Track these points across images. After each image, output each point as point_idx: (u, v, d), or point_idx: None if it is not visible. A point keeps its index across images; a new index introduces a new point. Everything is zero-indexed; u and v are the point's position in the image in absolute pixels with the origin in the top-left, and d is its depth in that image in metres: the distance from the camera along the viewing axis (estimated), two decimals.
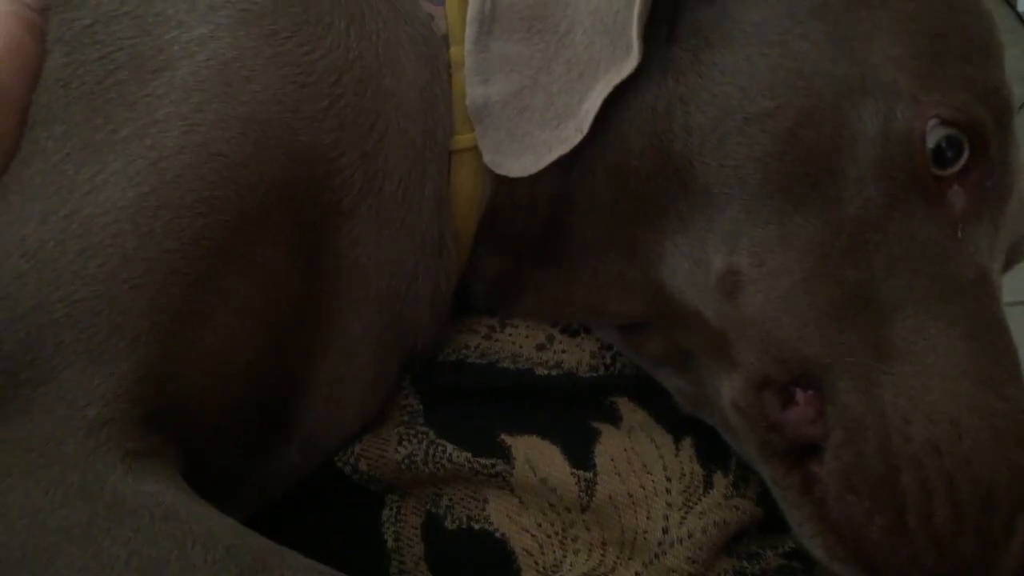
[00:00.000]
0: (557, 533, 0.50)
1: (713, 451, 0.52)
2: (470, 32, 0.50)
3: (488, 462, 0.51)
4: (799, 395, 0.46)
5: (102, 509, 0.39)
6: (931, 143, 0.45)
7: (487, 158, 0.49)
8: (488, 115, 0.49)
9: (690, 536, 0.49)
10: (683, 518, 0.50)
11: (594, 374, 0.54)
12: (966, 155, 0.46)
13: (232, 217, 0.44)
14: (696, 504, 0.50)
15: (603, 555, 0.50)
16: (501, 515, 0.51)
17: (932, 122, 0.45)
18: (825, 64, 0.46)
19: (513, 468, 0.50)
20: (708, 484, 0.51)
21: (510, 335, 0.55)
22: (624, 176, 0.50)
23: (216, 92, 0.44)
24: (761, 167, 0.46)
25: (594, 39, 0.48)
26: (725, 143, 0.47)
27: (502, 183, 0.51)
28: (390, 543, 0.52)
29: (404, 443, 0.52)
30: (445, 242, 0.51)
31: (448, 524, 0.51)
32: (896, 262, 0.45)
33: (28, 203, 0.42)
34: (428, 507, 0.52)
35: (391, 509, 0.53)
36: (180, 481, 0.42)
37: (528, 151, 0.48)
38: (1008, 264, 0.52)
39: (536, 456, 0.51)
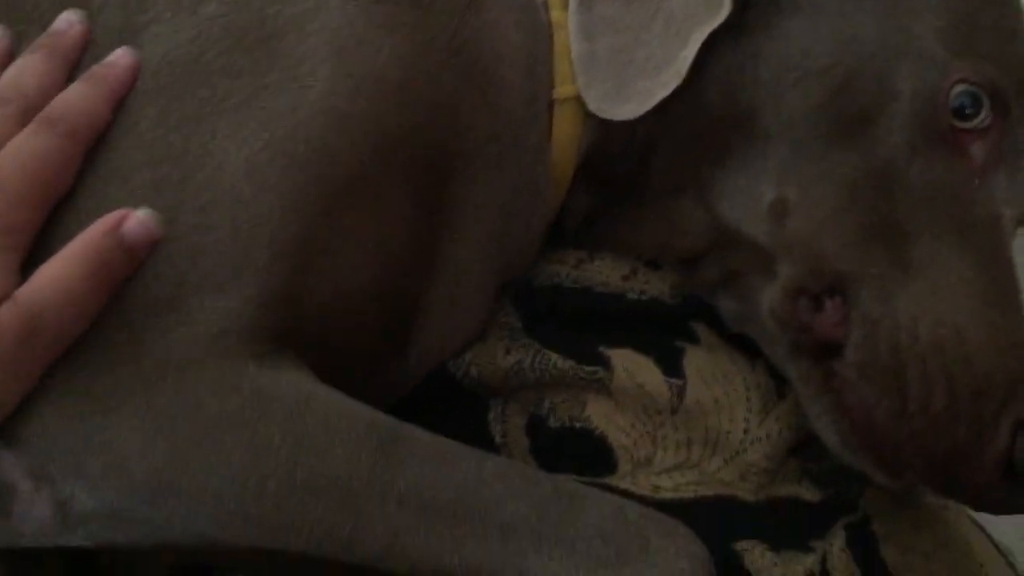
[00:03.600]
0: (649, 432, 0.57)
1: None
2: None
3: (590, 369, 0.57)
4: (827, 303, 0.54)
5: (249, 397, 0.43)
6: (955, 102, 0.54)
7: (593, 106, 0.56)
8: (593, 67, 0.57)
9: (767, 436, 0.57)
10: (761, 421, 0.57)
11: (676, 302, 0.62)
12: (985, 113, 0.54)
13: (346, 167, 0.48)
14: (772, 410, 0.58)
15: (689, 451, 0.57)
16: (600, 415, 0.57)
17: (959, 86, 0.54)
18: (876, 32, 0.55)
19: (613, 374, 0.57)
20: (780, 394, 0.58)
21: (598, 266, 0.62)
22: (701, 121, 0.57)
23: (327, 56, 0.48)
24: (812, 115, 0.54)
25: (689, 1, 0.56)
26: (785, 94, 0.55)
27: (601, 130, 0.58)
28: (498, 439, 0.58)
29: (512, 352, 0.58)
30: (543, 184, 0.58)
31: (551, 423, 0.58)
32: (917, 198, 0.53)
33: (135, 174, 0.45)
34: (531, 409, 0.58)
35: (496, 411, 0.59)
36: (310, 372, 0.46)
37: (632, 98, 0.56)
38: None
39: (632, 365, 0.58)
